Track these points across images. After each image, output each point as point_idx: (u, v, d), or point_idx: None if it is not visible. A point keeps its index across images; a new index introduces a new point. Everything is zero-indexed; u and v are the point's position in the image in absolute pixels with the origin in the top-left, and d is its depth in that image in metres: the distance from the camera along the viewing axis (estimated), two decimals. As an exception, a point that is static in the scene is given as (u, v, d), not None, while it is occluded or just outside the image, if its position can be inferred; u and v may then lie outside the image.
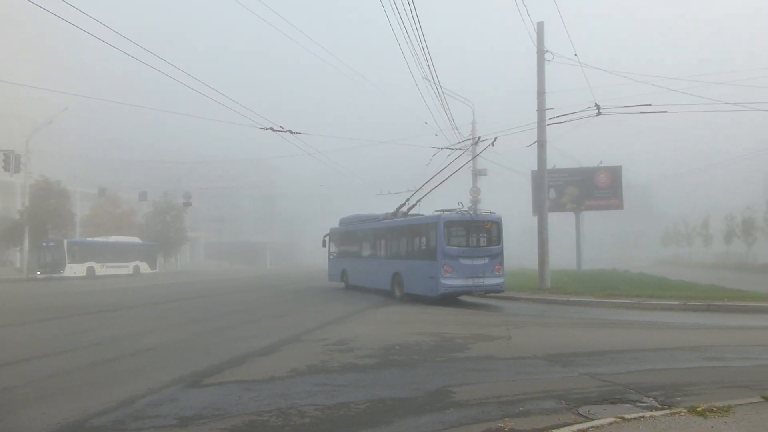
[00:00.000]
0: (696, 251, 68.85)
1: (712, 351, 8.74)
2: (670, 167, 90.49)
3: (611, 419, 4.93)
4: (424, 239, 17.73)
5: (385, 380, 6.87)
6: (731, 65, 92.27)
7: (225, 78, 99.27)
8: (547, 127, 19.47)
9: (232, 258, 69.94)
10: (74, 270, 35.79)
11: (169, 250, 51.41)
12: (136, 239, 43.65)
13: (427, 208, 19.11)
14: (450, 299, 17.66)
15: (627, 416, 5.01)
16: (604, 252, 68.24)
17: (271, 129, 19.24)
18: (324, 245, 26.16)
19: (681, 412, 5.11)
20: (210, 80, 16.88)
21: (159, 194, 50.53)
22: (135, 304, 17.82)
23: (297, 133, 20.03)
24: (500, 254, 17.08)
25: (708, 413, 5.01)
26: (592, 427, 4.77)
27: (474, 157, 21.84)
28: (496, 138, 20.88)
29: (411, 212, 20.25)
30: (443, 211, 17.46)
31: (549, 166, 23.22)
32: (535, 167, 22.34)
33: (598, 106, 17.97)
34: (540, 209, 20.55)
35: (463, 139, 23.77)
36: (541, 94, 19.46)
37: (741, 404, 5.31)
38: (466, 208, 17.39)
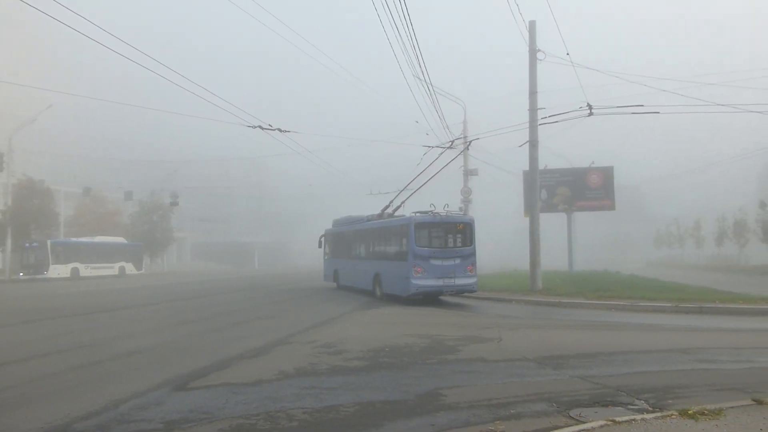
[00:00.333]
0: (688, 253, 69.49)
1: (703, 353, 8.80)
2: (662, 168, 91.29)
3: (602, 422, 4.95)
4: (397, 241, 18.37)
5: (375, 383, 6.86)
6: (731, 65, 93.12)
7: (220, 77, 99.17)
8: (539, 127, 19.56)
9: (220, 259, 69.68)
10: (58, 271, 35.50)
11: (156, 251, 51.11)
12: (121, 239, 43.36)
13: (419, 209, 19.27)
14: (431, 299, 18.17)
15: (618, 419, 5.04)
16: (595, 253, 68.54)
17: (260, 127, 19.18)
18: (320, 246, 26.83)
19: (672, 414, 5.15)
20: (205, 79, 16.91)
21: (145, 194, 50.26)
22: (120, 305, 17.70)
23: (286, 131, 19.97)
24: (472, 255, 17.61)
25: (699, 416, 5.05)
26: (583, 430, 4.80)
27: (456, 156, 21.86)
28: (470, 142, 21.09)
29: (397, 213, 20.57)
30: (418, 213, 18.07)
31: (541, 166, 23.31)
32: (526, 167, 22.43)
33: (590, 106, 18.10)
34: (531, 210, 20.63)
35: (454, 138, 23.77)
36: (532, 93, 19.54)
37: (732, 407, 5.36)
38: (438, 210, 17.92)
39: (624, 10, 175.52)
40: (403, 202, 20.73)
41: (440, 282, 17.10)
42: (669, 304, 15.15)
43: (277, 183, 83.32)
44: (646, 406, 5.73)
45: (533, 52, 19.54)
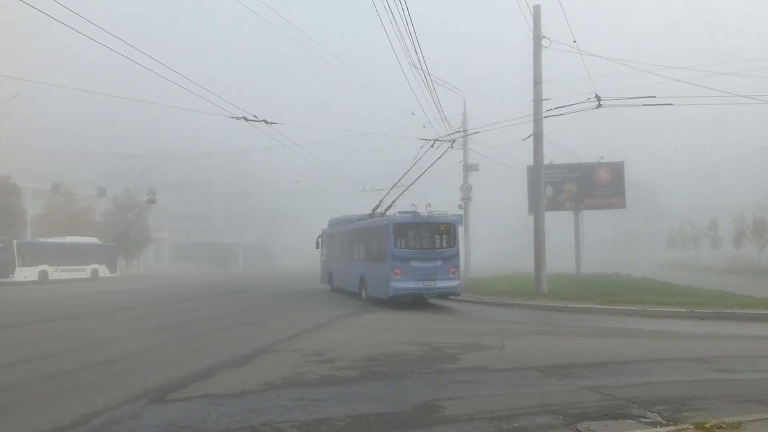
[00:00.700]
0: (704, 254, 69.78)
1: (721, 362, 8.83)
2: (676, 163, 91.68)
3: (612, 436, 4.96)
4: (378, 242, 18.96)
5: (368, 394, 6.85)
6: (749, 53, 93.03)
7: (203, 66, 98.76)
8: (544, 119, 19.59)
9: (201, 260, 69.49)
10: (25, 274, 35.24)
11: (131, 252, 50.89)
12: (94, 240, 43.14)
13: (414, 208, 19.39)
14: (426, 303, 18.64)
15: (629, 432, 5.04)
16: (604, 254, 68.84)
17: (244, 118, 19.08)
18: (317, 247, 27.61)
19: (687, 428, 5.15)
20: (187, 68, 16.81)
21: (120, 190, 49.99)
22: (93, 311, 17.62)
23: (272, 123, 19.89)
24: (455, 257, 18.23)
25: (716, 430, 5.05)
26: (592, 445, 4.80)
27: (447, 150, 21.91)
28: (454, 141, 21.17)
29: (389, 212, 20.80)
30: (399, 212, 18.74)
31: (546, 161, 23.35)
32: (531, 162, 22.45)
33: (598, 98, 18.09)
34: (536, 208, 20.66)
35: (453, 131, 23.78)
36: (537, 83, 19.56)
37: (752, 420, 5.36)
38: (417, 210, 18.39)
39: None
40: (394, 201, 20.94)
41: (420, 284, 17.63)
42: (683, 310, 15.22)
43: (262, 179, 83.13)
44: (659, 419, 5.73)
45: (537, 38, 19.56)
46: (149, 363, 9.04)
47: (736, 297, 17.66)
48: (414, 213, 18.32)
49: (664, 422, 5.59)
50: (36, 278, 35.72)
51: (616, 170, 35.95)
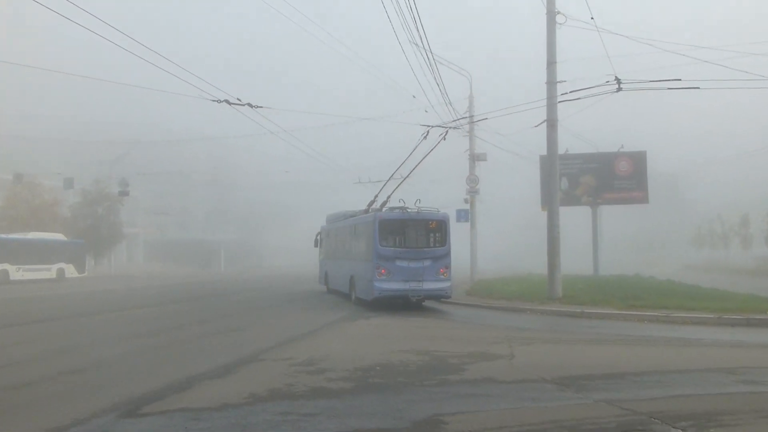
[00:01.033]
0: (734, 254, 69.82)
1: (751, 374, 8.87)
2: (703, 154, 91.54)
3: (632, 454, 4.98)
4: (365, 240, 19.45)
5: (363, 408, 6.86)
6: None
7: (183, 45, 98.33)
8: (559, 103, 19.57)
9: (179, 259, 69.40)
10: (-17, 274, 35.21)
11: (101, 250, 50.80)
12: (60, 236, 43.03)
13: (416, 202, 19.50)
14: (420, 307, 18.97)
15: (651, 451, 5.06)
16: (625, 254, 68.93)
17: (226, 102, 19.06)
18: (315, 245, 28.31)
19: (714, 445, 5.18)
20: (164, 46, 16.78)
21: (89, 181, 49.88)
22: (59, 315, 17.59)
23: (257, 107, 19.87)
24: (445, 256, 18.73)
25: (746, 447, 5.07)
26: (609, 464, 4.82)
27: (444, 134, 21.91)
28: (447, 131, 21.26)
29: (386, 207, 20.98)
30: (393, 208, 19.27)
31: (561, 150, 23.39)
32: (544, 151, 22.47)
33: (618, 80, 18.09)
34: (550, 202, 20.67)
35: (458, 117, 23.80)
36: (551, 64, 19.55)
37: (784, 436, 5.39)
38: (407, 205, 18.93)
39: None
40: (389, 196, 20.98)
41: (406, 285, 18.17)
42: (711, 316, 15.26)
43: (247, 170, 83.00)
44: (683, 435, 5.76)
45: (552, 14, 19.53)
46: (121, 373, 9.04)
47: (769, 301, 17.72)
48: (402, 209, 18.80)
49: (689, 440, 5.61)
50: (-5, 278, 35.67)
51: (638, 161, 35.98)
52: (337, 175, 54.96)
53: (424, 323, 15.58)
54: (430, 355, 10.26)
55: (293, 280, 38.77)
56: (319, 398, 7.25)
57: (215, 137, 67.34)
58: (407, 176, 21.51)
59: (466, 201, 31.01)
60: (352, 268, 21.05)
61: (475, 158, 30.66)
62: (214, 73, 23.36)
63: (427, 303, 20.79)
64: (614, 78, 18.09)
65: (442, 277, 18.54)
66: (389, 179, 22.13)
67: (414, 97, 25.93)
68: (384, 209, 19.84)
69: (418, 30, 25.06)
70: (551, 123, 19.76)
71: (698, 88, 18.05)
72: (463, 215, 30.60)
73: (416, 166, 21.15)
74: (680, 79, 17.71)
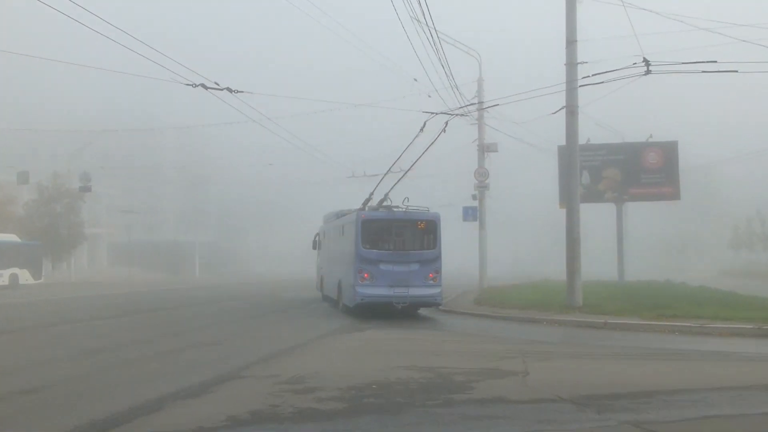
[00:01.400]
0: (776, 257, 69.93)
1: (796, 391, 8.88)
2: (741, 145, 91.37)
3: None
4: (349, 241, 19.91)
5: (358, 431, 6.86)
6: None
7: (154, 22, 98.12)
8: (580, 87, 19.58)
9: (148, 263, 69.37)
10: (-74, 280, 35.17)
11: (60, 253, 50.76)
12: (13, 237, 42.95)
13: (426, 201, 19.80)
14: (422, 318, 19.39)
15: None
16: (653, 257, 69.13)
17: (202, 86, 18.99)
18: (314, 247, 29.01)
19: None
20: (134, 24, 16.70)
21: (46, 175, 49.83)
22: (10, 327, 17.57)
23: (238, 91, 19.82)
24: (436, 260, 19.33)
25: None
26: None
27: (448, 122, 21.90)
28: (449, 121, 21.14)
29: (384, 205, 20.98)
30: (377, 207, 19.85)
31: (582, 140, 23.40)
32: (562, 142, 22.47)
33: (646, 62, 18.06)
34: (569, 199, 20.68)
35: (465, 104, 23.79)
36: (571, 42, 19.56)
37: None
38: (394, 204, 19.52)
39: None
40: (387, 194, 20.91)
41: (391, 291, 18.74)
42: (750, 326, 15.27)
43: (225, 162, 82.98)
44: (720, 462, 5.77)
45: (572, -14, 19.57)
46: (82, 392, 9.01)
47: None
48: (388, 208, 19.40)
49: (726, 467, 5.62)
50: (-60, 286, 35.63)
51: (669, 152, 36.02)
52: (328, 169, 54.99)
53: (426, 336, 15.59)
54: (433, 371, 10.25)
55: (281, 287, 38.74)
56: (308, 421, 7.24)
57: (190, 126, 67.08)
58: (408, 170, 21.48)
59: (474, 197, 31.05)
60: (340, 273, 21.50)
61: (484, 149, 30.70)
62: (189, 55, 23.32)
63: (430, 313, 20.82)
64: (642, 59, 18.06)
65: (432, 282, 19.08)
66: (387, 173, 22.11)
67: (415, 80, 25.92)
68: (381, 208, 20.16)
69: (420, 4, 25.06)
70: (571, 109, 19.77)
71: (736, 71, 18.03)
72: (471, 213, 30.64)
73: (418, 159, 21.15)
74: (716, 61, 17.72)
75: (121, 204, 70.79)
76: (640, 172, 35.92)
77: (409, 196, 20.06)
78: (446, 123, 20.73)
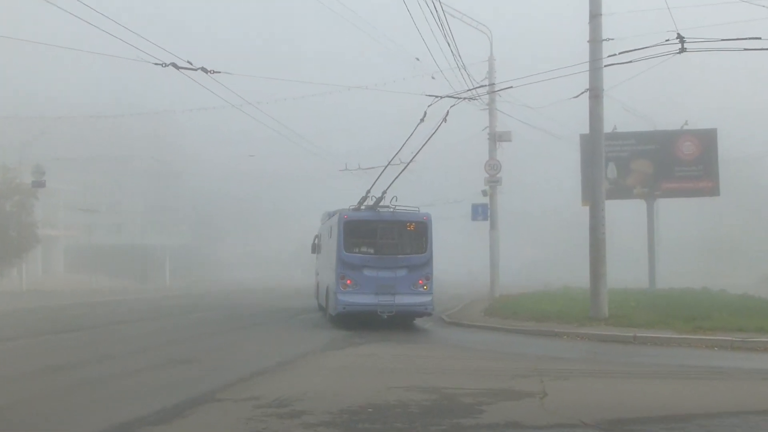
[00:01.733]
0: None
1: None
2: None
3: None
4: (333, 244, 20.54)
5: (351, 462, 6.87)
6: None
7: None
8: (605, 68, 19.57)
9: (111, 269, 69.24)
10: None
11: (9, 258, 50.65)
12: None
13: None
14: (423, 332, 19.76)
15: None
16: (688, 261, 69.00)
17: (173, 65, 18.95)
18: (312, 251, 29.25)
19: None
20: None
21: (-6, 169, 49.76)
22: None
23: (214, 72, 19.77)
24: (425, 265, 19.79)
25: None
26: None
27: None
28: (448, 111, 21.12)
29: (382, 203, 21.01)
30: (360, 207, 20.36)
31: (608, 128, 23.39)
32: (584, 130, 22.47)
33: (681, 39, 18.03)
34: (593, 195, 20.68)
35: (475, 86, 23.80)
36: (595, 16, 19.57)
37: None
38: (387, 202, 19.79)
39: None
40: (384, 191, 20.88)
41: (375, 299, 19.24)
42: (800, 340, 15.30)
43: (201, 154, 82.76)
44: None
45: (596, -49, 19.59)
46: (34, 418, 8.99)
47: None
48: (374, 207, 19.75)
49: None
50: None
51: (707, 141, 35.90)
52: (319, 162, 55.07)
53: (429, 352, 15.57)
54: (437, 392, 10.25)
55: (266, 295, 38.77)
56: (294, 449, 7.24)
57: (159, 112, 66.81)
58: (408, 163, 21.38)
59: (484, 193, 31.05)
60: (328, 279, 21.87)
61: (496, 138, 30.70)
62: (158, 32, 23.22)
63: (432, 326, 20.90)
64: (676, 35, 18.02)
65: (421, 289, 19.50)
66: (387, 166, 21.93)
67: (417, 59, 25.90)
68: (364, 207, 20.53)
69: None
70: (595, 92, 19.77)
71: (786, 49, 18.06)
72: (481, 212, 30.65)
73: (418, 151, 21.05)
74: (760, 38, 17.71)
75: (81, 202, 70.63)
76: (674, 164, 35.81)
77: (412, 193, 20.15)
78: (447, 112, 20.71)
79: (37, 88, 71.14)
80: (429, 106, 21.08)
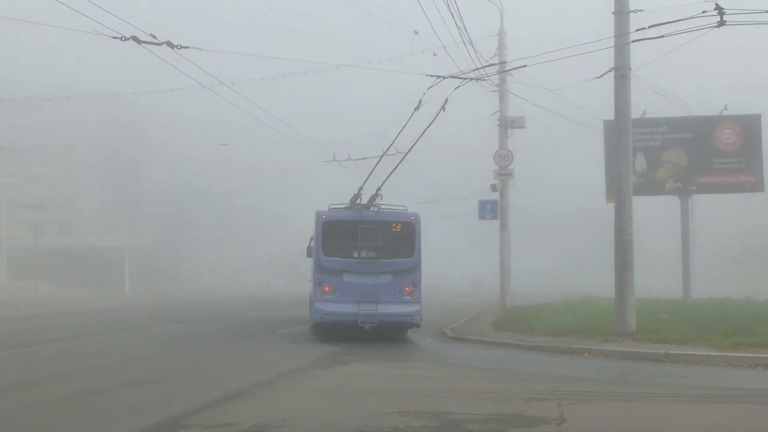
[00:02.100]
0: None
1: None
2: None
3: None
4: (313, 248, 20.95)
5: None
6: None
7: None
8: (632, 44, 19.59)
9: (61, 275, 69.22)
10: None
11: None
12: None
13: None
14: (422, 349, 19.69)
15: None
16: (729, 267, 69.17)
17: (134, 39, 18.88)
18: (308, 255, 29.05)
19: None
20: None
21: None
22: None
23: (181, 47, 19.72)
24: (413, 270, 20.20)
25: None
26: None
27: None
28: (446, 100, 21.10)
29: (377, 201, 21.32)
30: (340, 207, 20.90)
31: (636, 113, 23.39)
32: (609, 115, 22.50)
33: (720, 10, 18.02)
34: (619, 191, 20.68)
35: (484, 65, 23.82)
36: (621, -16, 19.61)
37: None
38: (364, 202, 20.29)
39: None
40: (379, 188, 20.93)
41: (357, 308, 19.48)
42: None
43: (166, 141, 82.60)
44: None
45: None
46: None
47: None
48: (355, 207, 20.16)
49: None
50: None
51: (750, 128, 35.79)
52: (303, 150, 54.81)
53: (429, 371, 15.57)
54: (439, 418, 10.26)
55: (242, 306, 38.78)
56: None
57: (117, 94, 66.66)
58: (405, 155, 21.39)
59: (493, 188, 31.00)
60: (310, 285, 22.17)
61: (507, 124, 30.66)
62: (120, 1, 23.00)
63: (433, 342, 20.92)
64: (714, 6, 18.03)
65: (408, 298, 19.82)
66: (382, 157, 21.95)
67: (416, 33, 25.88)
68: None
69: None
70: (621, 72, 19.79)
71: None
72: (489, 209, 30.63)
73: (416, 141, 21.16)
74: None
75: (26, 198, 70.55)
76: (712, 155, 35.72)
77: (410, 188, 20.12)
78: (446, 99, 20.71)
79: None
80: (429, 87, 21.00)
